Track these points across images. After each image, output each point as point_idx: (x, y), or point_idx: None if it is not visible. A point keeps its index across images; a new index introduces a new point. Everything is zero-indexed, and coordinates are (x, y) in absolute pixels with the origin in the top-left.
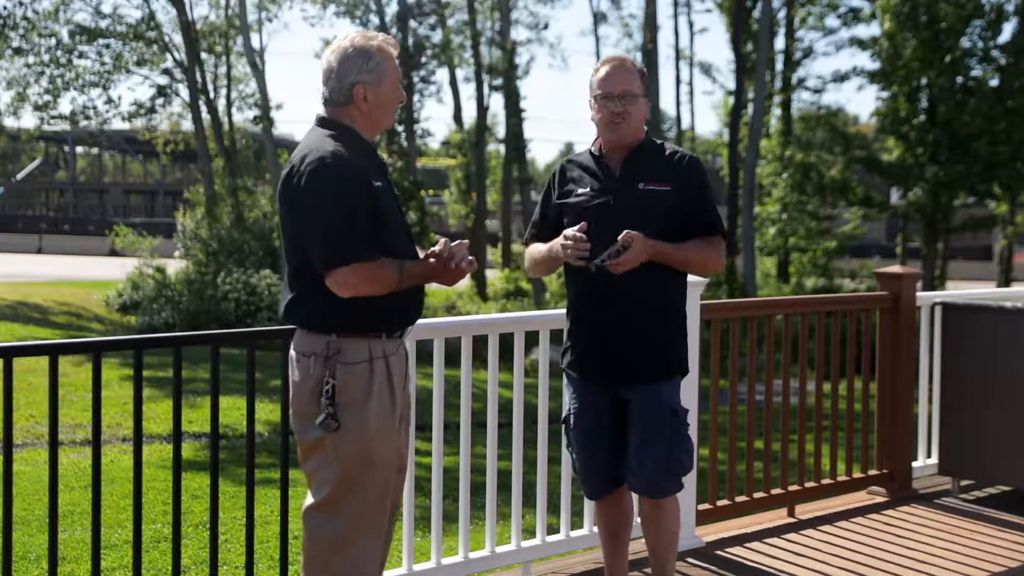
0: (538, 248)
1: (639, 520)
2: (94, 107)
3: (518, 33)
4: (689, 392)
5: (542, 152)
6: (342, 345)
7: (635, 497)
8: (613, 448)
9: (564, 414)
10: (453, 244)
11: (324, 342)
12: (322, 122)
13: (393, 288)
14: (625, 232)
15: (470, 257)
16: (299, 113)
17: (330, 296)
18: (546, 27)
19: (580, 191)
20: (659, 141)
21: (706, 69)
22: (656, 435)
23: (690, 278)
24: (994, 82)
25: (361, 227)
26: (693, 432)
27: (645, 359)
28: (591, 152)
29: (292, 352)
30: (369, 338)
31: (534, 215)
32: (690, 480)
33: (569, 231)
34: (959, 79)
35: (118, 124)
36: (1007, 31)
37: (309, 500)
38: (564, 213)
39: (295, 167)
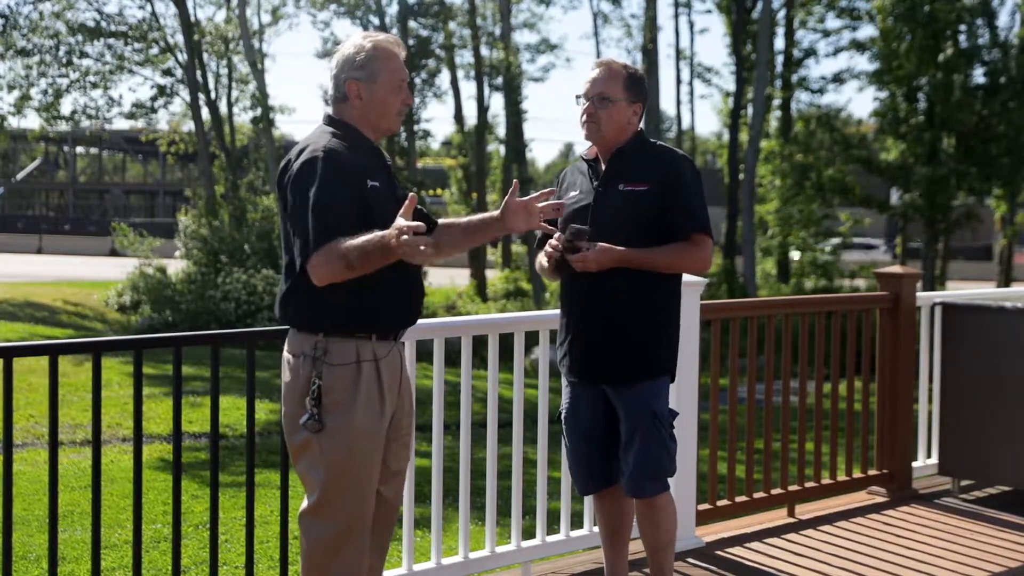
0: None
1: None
2: (96, 108)
3: (522, 36)
4: (689, 392)
5: (542, 152)
6: (329, 346)
7: None
8: (603, 446)
9: (559, 411)
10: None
11: (312, 342)
12: (327, 120)
13: (350, 263)
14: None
15: (426, 243)
16: (304, 114)
17: (317, 295)
18: (554, 47)
19: (571, 194)
20: (654, 141)
21: (702, 74)
22: (635, 436)
23: (688, 278)
24: (990, 81)
25: (343, 223)
26: (692, 432)
27: (627, 360)
28: (583, 156)
29: (284, 354)
30: (357, 339)
31: None
32: (690, 480)
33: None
34: (956, 78)
35: (119, 124)
36: (1004, 31)
37: (304, 504)
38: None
39: (290, 161)
